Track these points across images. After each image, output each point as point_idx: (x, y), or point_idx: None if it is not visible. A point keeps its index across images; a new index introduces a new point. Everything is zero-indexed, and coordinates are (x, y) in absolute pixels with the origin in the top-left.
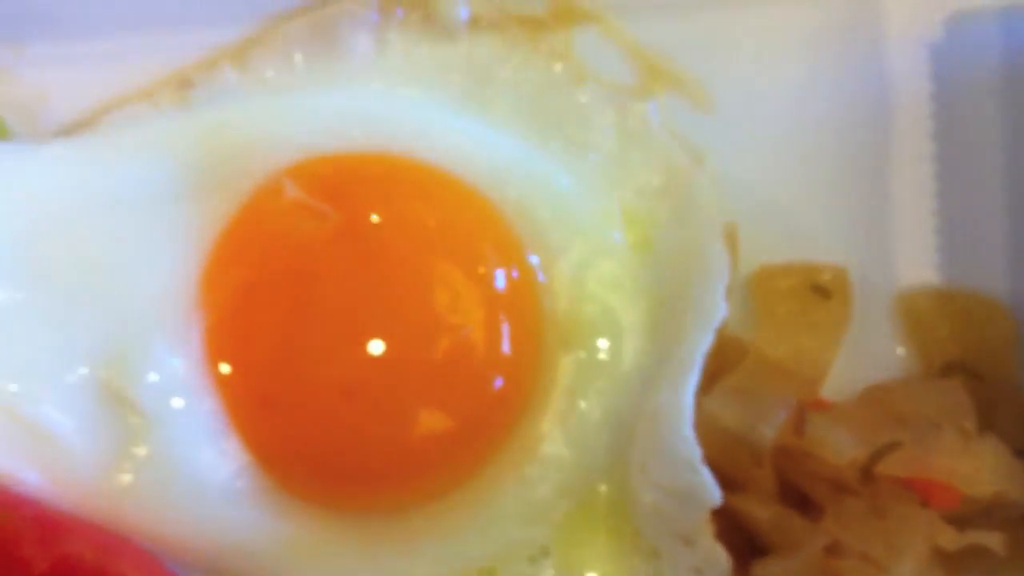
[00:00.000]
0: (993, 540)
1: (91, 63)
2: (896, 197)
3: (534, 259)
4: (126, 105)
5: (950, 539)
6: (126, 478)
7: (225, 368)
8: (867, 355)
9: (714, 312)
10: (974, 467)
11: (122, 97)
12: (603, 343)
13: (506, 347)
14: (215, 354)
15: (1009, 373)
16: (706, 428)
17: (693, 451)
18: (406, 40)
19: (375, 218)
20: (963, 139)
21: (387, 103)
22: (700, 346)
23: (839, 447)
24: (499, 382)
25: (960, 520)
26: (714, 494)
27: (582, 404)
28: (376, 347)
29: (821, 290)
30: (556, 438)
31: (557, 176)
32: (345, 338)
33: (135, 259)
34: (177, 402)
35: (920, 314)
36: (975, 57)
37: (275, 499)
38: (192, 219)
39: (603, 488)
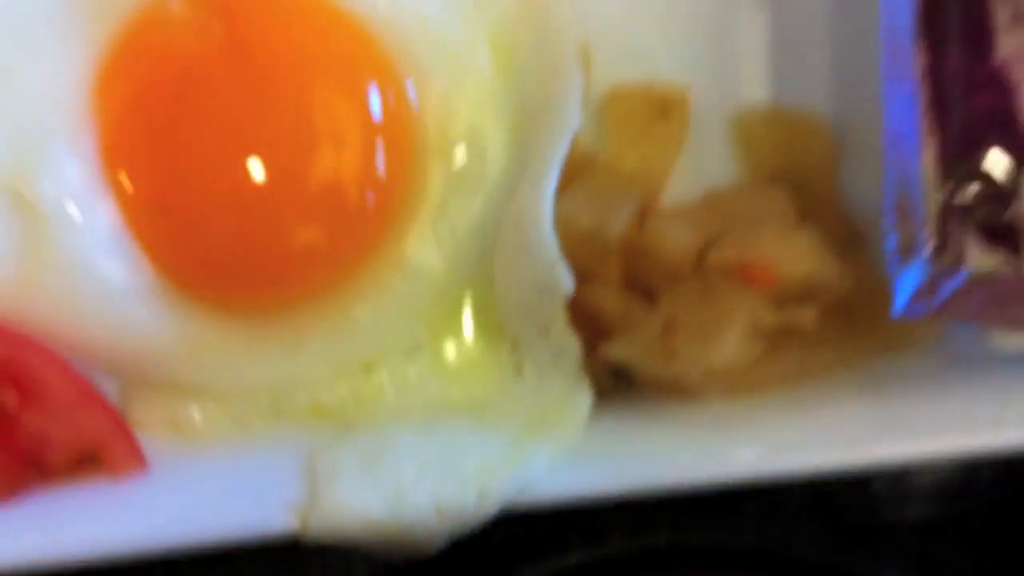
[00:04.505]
0: (804, 315)
1: None
2: (734, 23)
3: (407, 82)
4: None
5: (768, 314)
6: (28, 280)
7: (121, 175)
8: (703, 167)
9: (570, 121)
10: (792, 252)
11: None
12: (471, 159)
13: (380, 161)
14: (110, 162)
15: (826, 184)
16: (560, 226)
17: (552, 247)
18: None
19: (259, 33)
20: None
21: None
22: (558, 152)
23: (676, 240)
24: (372, 195)
25: (781, 302)
26: (568, 284)
27: (452, 214)
28: (261, 158)
29: (664, 108)
30: (428, 245)
31: (427, 2)
32: (232, 148)
33: (28, 68)
34: (77, 207)
35: (750, 129)
36: None
37: (171, 300)
38: (84, 30)
39: (471, 288)
